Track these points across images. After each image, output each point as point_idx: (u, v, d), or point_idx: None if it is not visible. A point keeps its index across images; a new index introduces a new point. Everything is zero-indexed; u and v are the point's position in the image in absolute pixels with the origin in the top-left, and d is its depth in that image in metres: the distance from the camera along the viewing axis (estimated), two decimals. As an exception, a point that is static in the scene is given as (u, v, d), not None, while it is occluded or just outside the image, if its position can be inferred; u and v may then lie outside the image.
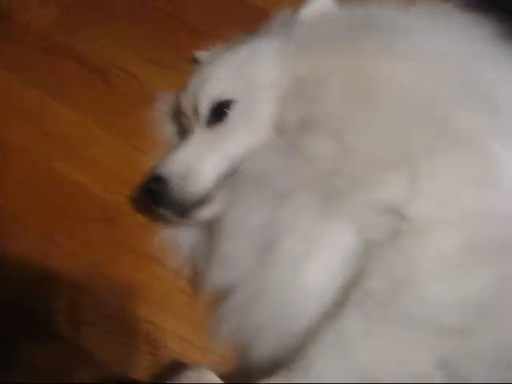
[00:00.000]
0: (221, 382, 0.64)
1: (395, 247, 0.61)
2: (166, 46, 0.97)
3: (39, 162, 0.89)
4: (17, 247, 0.82)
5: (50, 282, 0.80)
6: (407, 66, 0.66)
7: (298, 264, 0.66)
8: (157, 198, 0.75)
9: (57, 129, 0.91)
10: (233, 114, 0.75)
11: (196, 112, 0.78)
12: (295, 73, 0.72)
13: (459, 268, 0.59)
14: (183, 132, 0.84)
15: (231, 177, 0.74)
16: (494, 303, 0.58)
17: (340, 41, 0.71)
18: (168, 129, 0.89)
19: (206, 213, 0.76)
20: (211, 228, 0.76)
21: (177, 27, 1.00)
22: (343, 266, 0.65)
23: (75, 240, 0.83)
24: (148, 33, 0.99)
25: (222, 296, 0.74)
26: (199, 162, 0.75)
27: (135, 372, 0.77)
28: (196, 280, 0.79)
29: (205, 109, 0.77)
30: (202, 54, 0.93)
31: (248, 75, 0.76)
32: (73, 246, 0.82)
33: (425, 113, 0.64)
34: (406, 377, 0.60)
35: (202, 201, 0.75)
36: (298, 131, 0.69)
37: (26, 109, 0.93)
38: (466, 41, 0.72)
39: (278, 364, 0.65)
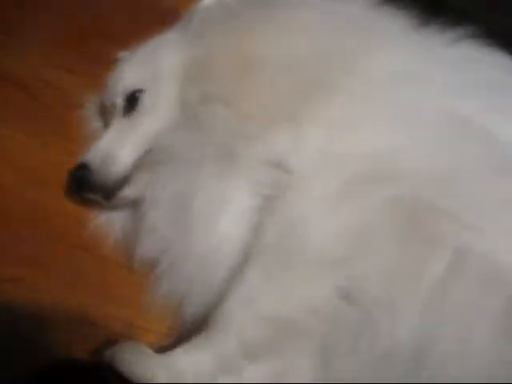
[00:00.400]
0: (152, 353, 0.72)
1: (282, 199, 0.69)
2: (85, 56, 1.04)
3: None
4: None
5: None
6: (281, 36, 0.75)
7: (210, 222, 0.75)
8: (81, 183, 0.84)
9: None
10: (143, 102, 0.84)
11: (114, 104, 0.87)
12: (191, 55, 0.81)
13: (337, 204, 0.67)
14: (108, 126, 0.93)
15: (148, 157, 0.82)
16: (368, 230, 0.67)
17: (226, 22, 0.80)
18: (96, 126, 0.98)
19: (128, 193, 0.84)
20: (136, 208, 0.84)
21: (95, 36, 1.07)
22: (247, 221, 0.73)
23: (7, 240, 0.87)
24: (67, 44, 1.06)
25: (152, 267, 0.82)
26: (117, 147, 0.83)
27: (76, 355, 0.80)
28: (130, 259, 0.85)
29: (120, 100, 0.86)
30: (123, 54, 1.02)
31: (154, 65, 0.85)
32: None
33: (301, 75, 0.73)
34: (310, 313, 0.68)
35: (123, 182, 0.83)
36: (198, 106, 0.77)
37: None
38: (344, 15, 0.81)
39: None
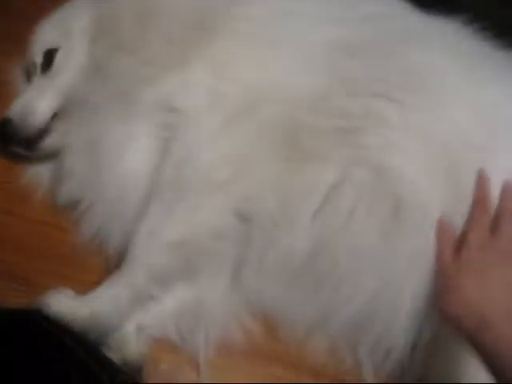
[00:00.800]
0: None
1: (175, 138, 0.78)
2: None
3: None
4: None
5: None
6: None
7: (116, 161, 0.82)
8: (4, 137, 0.91)
9: None
10: (58, 59, 0.91)
11: (34, 64, 0.94)
12: (99, 13, 0.88)
13: (221, 135, 0.75)
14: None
15: (64, 108, 0.89)
16: (250, 153, 0.74)
17: None
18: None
19: (49, 142, 0.91)
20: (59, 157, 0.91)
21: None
22: (149, 160, 0.81)
23: None
24: None
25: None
26: (35, 102, 0.90)
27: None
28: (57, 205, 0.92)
29: (38, 58, 0.93)
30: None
31: (67, 26, 0.92)
32: None
33: (189, 22, 0.81)
34: (211, 236, 0.76)
35: (43, 132, 0.90)
36: (105, 57, 0.85)
37: None
38: None
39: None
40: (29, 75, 1.00)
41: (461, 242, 0.66)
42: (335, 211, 0.73)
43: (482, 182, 0.68)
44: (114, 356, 0.74)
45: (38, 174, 0.95)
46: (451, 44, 0.78)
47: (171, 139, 0.79)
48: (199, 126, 0.77)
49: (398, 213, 0.71)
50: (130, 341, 0.77)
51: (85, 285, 0.83)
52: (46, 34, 0.94)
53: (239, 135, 0.75)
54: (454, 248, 0.66)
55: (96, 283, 0.81)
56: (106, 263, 0.87)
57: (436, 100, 0.73)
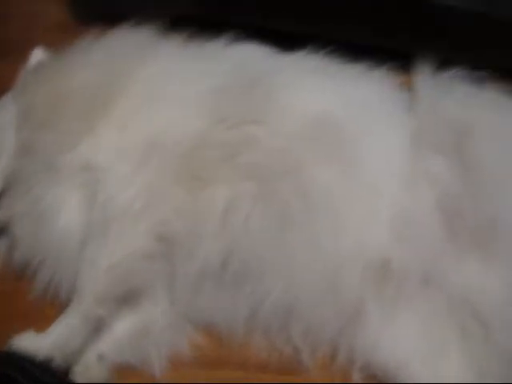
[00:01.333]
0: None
1: (97, 190, 0.93)
2: None
3: None
4: None
5: None
6: (76, 74, 1.02)
7: (52, 222, 0.97)
8: None
9: None
10: None
11: None
12: (19, 106, 1.05)
13: (132, 175, 0.92)
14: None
15: (5, 188, 1.03)
16: (156, 183, 0.92)
17: (38, 76, 1.06)
18: None
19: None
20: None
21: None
22: (80, 214, 0.96)
23: None
24: None
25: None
26: None
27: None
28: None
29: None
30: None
31: None
32: None
33: (93, 96, 0.99)
34: (139, 257, 0.91)
35: None
36: (28, 137, 1.01)
37: None
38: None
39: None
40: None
41: None
42: (234, 221, 0.89)
43: None
44: (81, 381, 0.87)
45: None
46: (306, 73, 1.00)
47: (94, 191, 0.94)
48: (113, 175, 0.93)
49: (286, 212, 0.88)
50: (93, 368, 0.89)
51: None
52: None
53: (147, 174, 0.91)
54: None
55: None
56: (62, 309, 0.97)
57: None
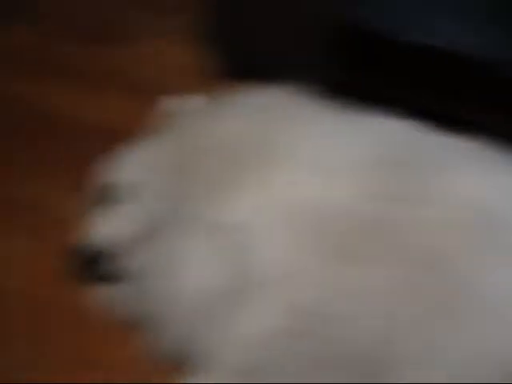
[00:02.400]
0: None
1: (234, 251, 0.87)
2: None
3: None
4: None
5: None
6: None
7: (186, 274, 0.91)
8: (87, 266, 0.99)
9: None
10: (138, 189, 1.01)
11: (108, 191, 1.05)
12: (178, 151, 1.01)
13: (272, 243, 0.86)
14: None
15: (141, 233, 0.99)
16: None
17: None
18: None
19: (126, 265, 0.99)
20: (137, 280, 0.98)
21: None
22: (214, 274, 0.89)
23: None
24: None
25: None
26: (115, 228, 1.00)
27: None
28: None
29: (114, 188, 1.04)
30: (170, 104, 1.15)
31: (146, 161, 1.04)
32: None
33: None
34: (275, 333, 0.84)
35: (121, 257, 0.99)
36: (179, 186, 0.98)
37: None
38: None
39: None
40: (99, 201, 1.09)
41: None
42: (387, 304, 0.82)
43: None
44: None
45: (108, 295, 1.03)
46: None
47: (232, 253, 0.87)
48: (254, 238, 0.86)
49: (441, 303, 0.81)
50: None
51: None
52: (125, 169, 1.05)
53: (289, 242, 0.84)
54: None
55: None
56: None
57: None
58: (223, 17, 1.30)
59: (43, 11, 1.55)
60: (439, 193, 0.88)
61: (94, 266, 1.01)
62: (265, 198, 0.90)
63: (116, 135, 1.11)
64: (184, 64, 1.37)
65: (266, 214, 0.89)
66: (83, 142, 1.29)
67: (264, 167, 0.92)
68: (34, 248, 1.15)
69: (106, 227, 1.03)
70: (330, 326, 0.82)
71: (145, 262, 0.98)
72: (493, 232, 0.85)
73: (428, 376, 0.80)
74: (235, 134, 0.97)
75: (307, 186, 0.90)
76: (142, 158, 1.06)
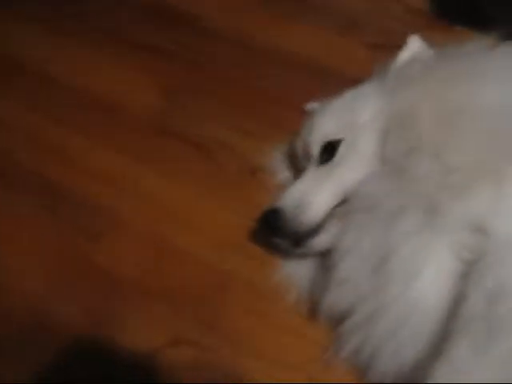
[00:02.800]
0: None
1: (483, 266, 0.64)
2: (263, 120, 1.09)
3: (152, 233, 0.97)
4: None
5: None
6: (482, 87, 0.73)
7: (408, 279, 0.70)
8: (274, 228, 0.84)
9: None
10: (340, 152, 0.83)
11: (307, 154, 0.88)
12: (391, 108, 0.80)
13: None
14: (297, 177, 0.94)
15: (342, 206, 0.81)
16: None
17: (425, 76, 0.79)
18: (284, 178, 0.99)
19: (319, 242, 0.83)
20: (326, 258, 0.81)
21: (275, 102, 1.12)
22: (446, 285, 0.69)
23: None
24: (240, 106, 1.12)
25: (339, 321, 0.78)
26: (312, 195, 0.83)
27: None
28: (316, 310, 0.82)
29: (315, 150, 0.87)
30: (312, 105, 1.04)
31: (351, 116, 0.85)
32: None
33: (506, 125, 0.69)
34: None
35: (316, 230, 0.82)
36: (401, 158, 0.76)
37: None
38: None
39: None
40: (295, 165, 0.95)
41: None
42: None
43: None
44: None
45: (295, 273, 0.87)
46: None
47: (477, 264, 0.66)
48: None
49: None
50: None
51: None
52: (326, 124, 0.88)
53: None
54: None
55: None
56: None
57: None
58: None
59: None
60: None
61: (283, 232, 0.84)
62: None
63: (328, 76, 0.97)
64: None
65: None
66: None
67: None
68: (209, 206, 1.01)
69: (303, 192, 0.84)
70: None
71: (347, 244, 0.78)
72: None
73: None
74: (495, 103, 0.71)
75: None
76: (349, 112, 0.86)
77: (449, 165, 0.70)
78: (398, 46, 0.91)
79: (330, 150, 0.85)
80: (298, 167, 0.94)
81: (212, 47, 1.25)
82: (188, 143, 1.09)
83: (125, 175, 1.05)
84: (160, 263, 0.93)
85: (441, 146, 0.72)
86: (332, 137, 0.85)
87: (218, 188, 1.01)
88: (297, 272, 0.87)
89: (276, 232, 0.84)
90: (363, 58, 1.13)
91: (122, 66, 1.24)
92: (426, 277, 0.69)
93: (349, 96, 0.90)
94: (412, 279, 0.70)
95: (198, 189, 1.01)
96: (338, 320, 0.78)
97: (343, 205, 0.81)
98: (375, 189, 0.77)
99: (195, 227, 0.97)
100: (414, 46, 0.90)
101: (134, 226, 0.98)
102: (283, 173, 1.00)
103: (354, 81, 0.93)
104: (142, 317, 0.86)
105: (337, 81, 1.05)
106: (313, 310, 0.83)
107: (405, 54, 0.90)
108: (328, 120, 0.88)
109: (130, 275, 0.91)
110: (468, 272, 0.66)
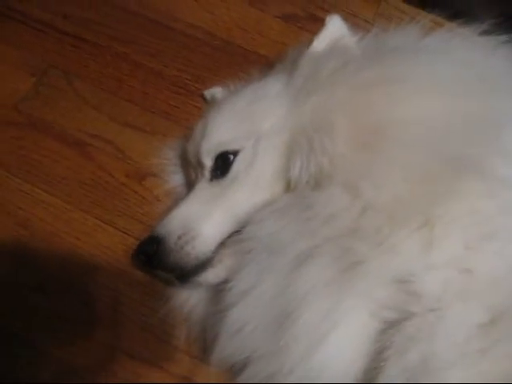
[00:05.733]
0: None
1: (408, 335, 0.52)
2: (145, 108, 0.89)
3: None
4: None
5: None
6: (422, 103, 0.57)
7: (314, 344, 0.57)
8: (151, 260, 0.68)
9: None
10: (236, 167, 0.66)
11: (200, 163, 0.70)
12: (299, 118, 0.63)
13: (480, 353, 0.48)
14: (190, 184, 0.76)
15: (238, 237, 0.64)
16: None
17: (345, 78, 0.62)
18: (174, 184, 0.82)
19: (209, 276, 0.67)
20: (219, 292, 0.65)
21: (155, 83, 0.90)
22: (360, 345, 0.56)
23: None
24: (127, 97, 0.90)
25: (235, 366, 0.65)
26: (200, 220, 0.66)
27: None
28: (206, 348, 0.69)
29: (207, 160, 0.69)
30: (211, 92, 0.86)
31: (250, 122, 0.68)
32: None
33: (442, 155, 0.55)
34: None
35: (205, 263, 0.66)
36: (309, 186, 0.60)
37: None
38: (484, 67, 0.64)
39: None
40: (187, 172, 0.77)
41: None
42: None
43: None
44: None
45: (186, 305, 0.72)
46: None
47: (400, 330, 0.53)
48: (448, 323, 0.51)
49: None
50: None
51: None
52: (219, 129, 0.69)
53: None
54: None
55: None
56: None
57: None
58: None
59: None
60: None
61: (161, 262, 0.69)
62: (469, 252, 0.53)
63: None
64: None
65: (467, 285, 0.53)
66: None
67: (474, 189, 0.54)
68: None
69: (190, 217, 0.69)
70: None
71: (242, 285, 0.62)
72: None
73: None
74: (427, 117, 0.57)
75: None
76: (251, 117, 0.69)
77: (366, 202, 0.55)
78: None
79: (224, 162, 0.67)
80: (189, 175, 0.77)
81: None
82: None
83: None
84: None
85: (356, 176, 0.56)
86: (227, 146, 0.68)
87: (97, 198, 0.82)
88: (187, 303, 0.72)
89: (156, 265, 0.68)
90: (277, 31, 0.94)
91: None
92: (334, 340, 0.56)
93: (249, 93, 0.71)
94: (318, 342, 0.57)
95: (70, 199, 0.81)
96: (231, 368, 0.65)
97: (239, 235, 0.64)
98: (277, 225, 0.60)
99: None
100: (334, 28, 0.71)
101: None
102: (176, 178, 0.82)
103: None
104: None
105: (246, 60, 0.89)
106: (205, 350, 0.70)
107: (321, 39, 0.71)
108: (223, 124, 0.70)
109: None
110: (388, 333, 0.53)
